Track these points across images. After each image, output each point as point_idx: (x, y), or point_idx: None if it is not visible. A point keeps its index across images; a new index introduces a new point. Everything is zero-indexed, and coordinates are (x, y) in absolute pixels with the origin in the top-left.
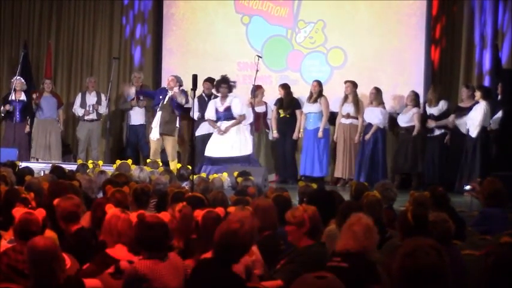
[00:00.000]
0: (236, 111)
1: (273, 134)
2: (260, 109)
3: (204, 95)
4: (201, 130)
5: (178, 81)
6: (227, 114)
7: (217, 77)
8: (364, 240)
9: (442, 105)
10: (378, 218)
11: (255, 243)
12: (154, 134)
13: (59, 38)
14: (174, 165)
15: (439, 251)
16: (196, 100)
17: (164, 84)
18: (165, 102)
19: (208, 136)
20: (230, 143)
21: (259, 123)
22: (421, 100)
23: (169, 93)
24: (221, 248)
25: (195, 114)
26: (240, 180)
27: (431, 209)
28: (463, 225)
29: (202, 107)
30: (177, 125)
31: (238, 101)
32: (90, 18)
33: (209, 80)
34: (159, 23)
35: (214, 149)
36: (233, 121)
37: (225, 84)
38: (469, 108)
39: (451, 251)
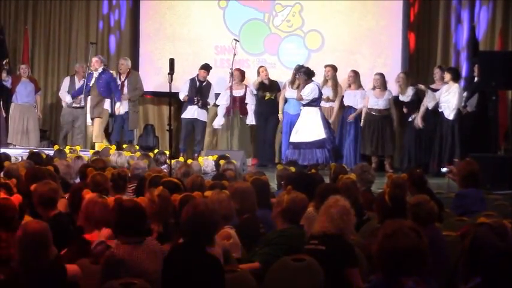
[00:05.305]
0: None
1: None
2: (238, 93)
3: (196, 79)
4: (187, 114)
5: (103, 62)
6: None
7: (194, 61)
8: (341, 223)
9: (410, 92)
10: (355, 200)
11: (234, 227)
12: (88, 119)
13: (36, 23)
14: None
15: (419, 232)
16: (188, 82)
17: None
18: (91, 85)
19: (194, 121)
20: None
21: (235, 106)
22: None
23: (95, 75)
24: (190, 231)
25: (181, 95)
26: (223, 163)
27: (409, 191)
28: (440, 207)
29: (192, 90)
30: (105, 107)
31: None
32: (67, 2)
33: (204, 67)
34: (136, 8)
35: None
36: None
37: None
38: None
39: (433, 232)
